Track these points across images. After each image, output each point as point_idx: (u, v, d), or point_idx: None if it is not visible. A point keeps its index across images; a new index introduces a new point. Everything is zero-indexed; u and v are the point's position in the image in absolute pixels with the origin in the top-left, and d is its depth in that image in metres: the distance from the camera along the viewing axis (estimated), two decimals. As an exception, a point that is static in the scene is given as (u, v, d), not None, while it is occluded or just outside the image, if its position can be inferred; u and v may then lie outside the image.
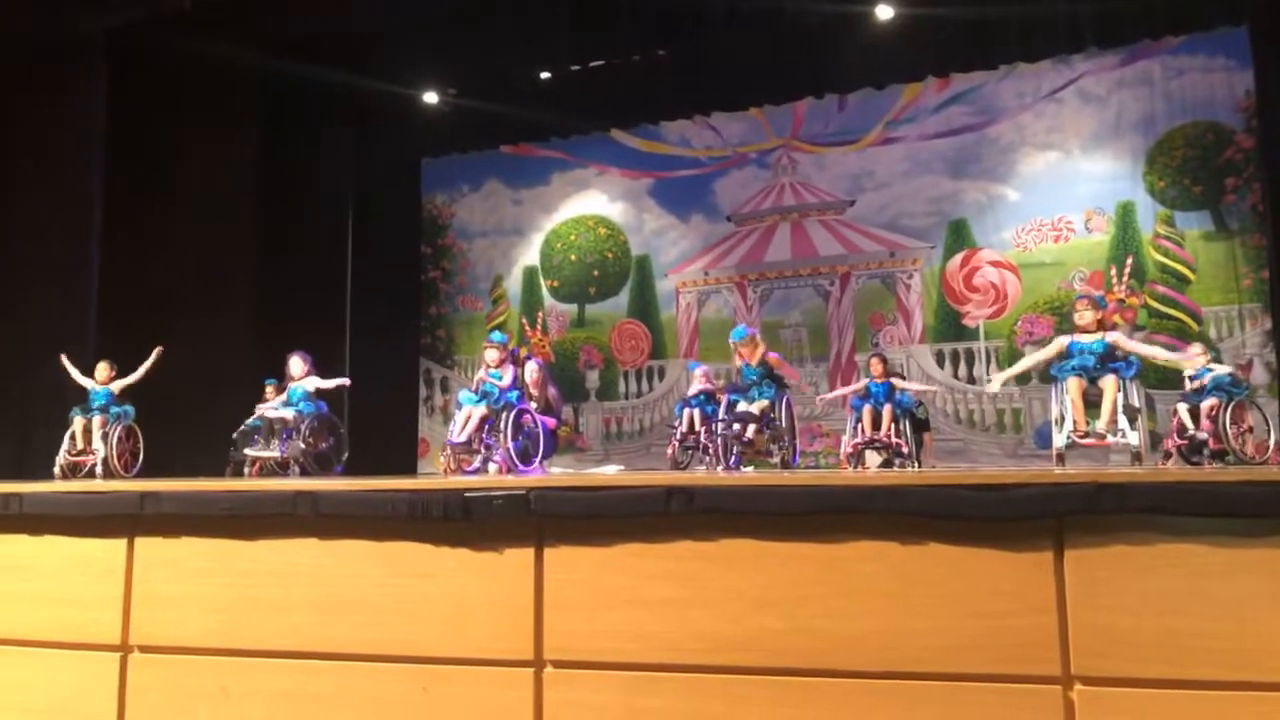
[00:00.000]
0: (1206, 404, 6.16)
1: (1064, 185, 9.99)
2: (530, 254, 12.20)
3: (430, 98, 11.58)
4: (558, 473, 6.15)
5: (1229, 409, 5.98)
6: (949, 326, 10.26)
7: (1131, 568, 2.38)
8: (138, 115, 10.06)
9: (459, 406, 6.48)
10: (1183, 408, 6.46)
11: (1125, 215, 9.71)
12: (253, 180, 10.87)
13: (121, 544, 3.14)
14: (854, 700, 2.49)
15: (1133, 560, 2.38)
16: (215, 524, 3.04)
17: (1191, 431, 6.28)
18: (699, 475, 3.39)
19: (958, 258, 10.28)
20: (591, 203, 12.00)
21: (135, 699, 3.09)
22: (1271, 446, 6.00)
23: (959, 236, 10.31)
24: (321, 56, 10.44)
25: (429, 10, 10.45)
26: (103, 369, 7.48)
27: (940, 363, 10.22)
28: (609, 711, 2.66)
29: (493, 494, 2.76)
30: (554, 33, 10.31)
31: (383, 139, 12.13)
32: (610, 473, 6.35)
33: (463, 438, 6.22)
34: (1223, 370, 6.48)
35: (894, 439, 7.14)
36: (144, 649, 3.11)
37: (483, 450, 6.21)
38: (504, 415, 6.19)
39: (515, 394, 6.39)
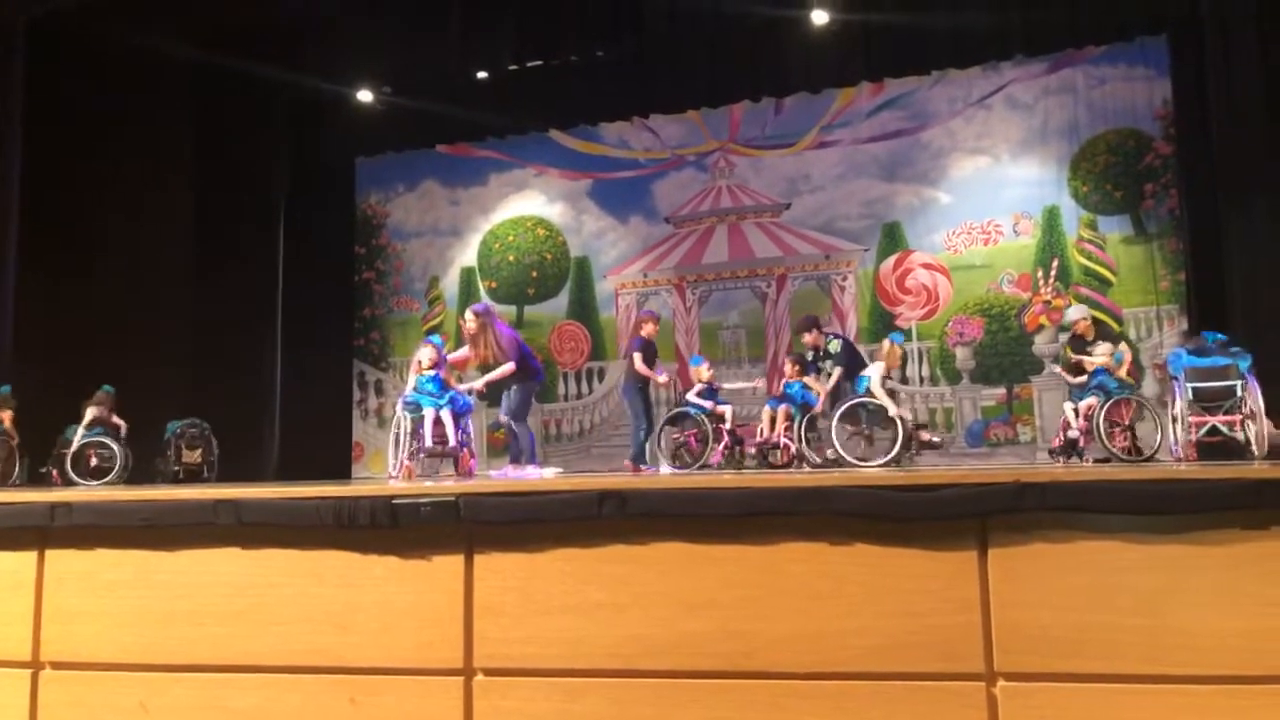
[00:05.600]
0: (1085, 403, 6.39)
1: (993, 189, 10.24)
2: (468, 255, 12.09)
3: (365, 96, 11.40)
4: (492, 476, 6.10)
5: (1104, 408, 6.21)
6: (882, 328, 10.42)
7: (1052, 565, 2.43)
8: (61, 112, 9.72)
9: (414, 410, 6.35)
10: (1068, 407, 6.74)
11: (1051, 219, 9.99)
12: (183, 178, 10.61)
13: (31, 556, 3.01)
14: (784, 702, 2.50)
15: (1054, 557, 2.43)
16: (131, 535, 2.93)
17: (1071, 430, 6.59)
18: (630, 479, 3.38)
19: (891, 260, 10.47)
20: (530, 203, 11.93)
21: (48, 717, 2.97)
22: (1157, 445, 6.20)
23: (892, 239, 10.50)
24: (254, 52, 10.21)
25: (363, 6, 10.29)
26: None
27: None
28: (541, 719, 2.64)
29: (421, 501, 2.71)
30: (492, 32, 10.24)
31: (316, 137, 11.91)
32: (548, 476, 6.33)
33: (449, 441, 6.29)
34: (1110, 371, 6.72)
35: (783, 438, 7.35)
36: (56, 665, 2.98)
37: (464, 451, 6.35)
38: (464, 417, 6.30)
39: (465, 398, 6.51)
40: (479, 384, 6.56)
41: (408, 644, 2.73)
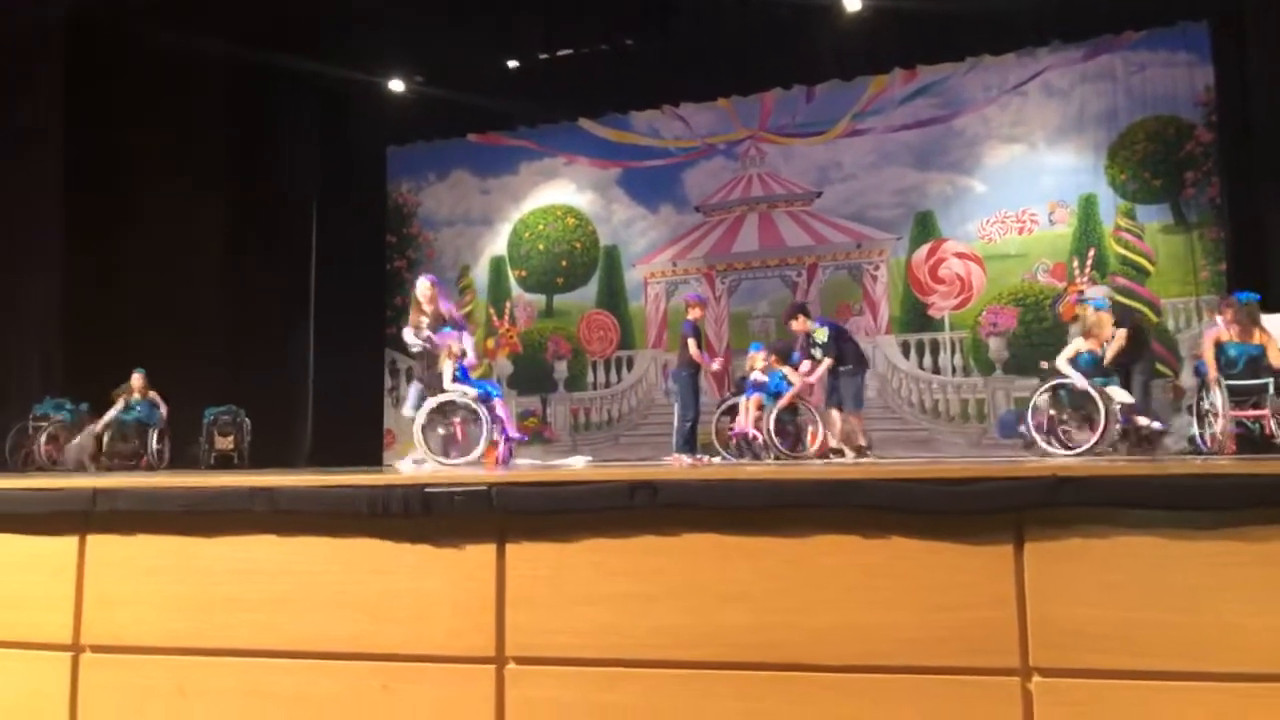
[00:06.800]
0: (1042, 398, 6.32)
1: (1028, 178, 10.10)
2: (498, 244, 12.13)
3: (396, 85, 11.44)
4: (523, 465, 6.10)
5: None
6: (915, 317, 10.35)
7: (1089, 560, 2.40)
8: (96, 106, 9.86)
9: (485, 400, 6.40)
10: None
11: (1087, 208, 9.83)
12: (217, 168, 10.72)
13: (73, 541, 3.06)
14: (816, 694, 2.49)
15: (1090, 553, 2.40)
16: (170, 521, 2.97)
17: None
18: (662, 469, 3.38)
19: (924, 249, 10.36)
20: (560, 192, 11.94)
21: (88, 700, 3.03)
22: (1097, 435, 6.02)
23: (925, 228, 10.39)
24: (285, 43, 10.29)
25: (394, -3, 10.33)
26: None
27: (906, 353, 10.30)
28: (572, 708, 2.65)
29: (454, 489, 2.73)
30: (522, 21, 10.25)
31: (347, 126, 12.00)
32: (578, 464, 6.33)
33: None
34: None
35: (751, 429, 7.28)
36: (96, 649, 3.04)
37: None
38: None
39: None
40: (470, 359, 6.61)
41: (440, 632, 2.75)
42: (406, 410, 6.48)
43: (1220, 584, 2.31)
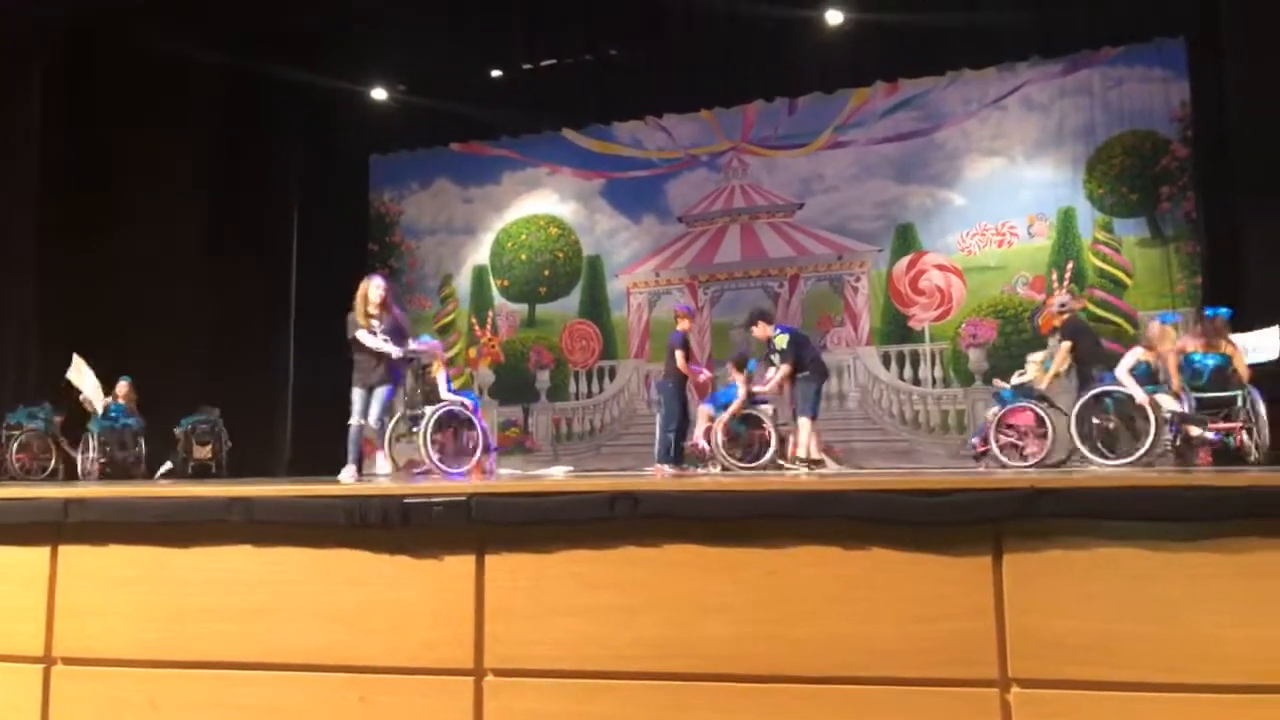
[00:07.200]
0: (990, 411, 6.40)
1: (1008, 191, 10.18)
2: (480, 253, 12.09)
3: (379, 94, 11.41)
4: (504, 475, 6.08)
5: (999, 417, 6.26)
6: (895, 329, 10.39)
7: (1067, 571, 2.41)
8: (82, 106, 9.79)
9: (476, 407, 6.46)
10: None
11: (1066, 221, 9.92)
12: (200, 175, 10.65)
13: (44, 552, 3.02)
14: (796, 706, 2.49)
15: (1069, 564, 2.41)
16: (144, 531, 2.93)
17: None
18: (644, 480, 3.37)
19: (904, 261, 10.42)
20: (543, 202, 11.93)
21: (59, 712, 2.98)
22: (1047, 449, 6.12)
23: (905, 240, 10.45)
24: (273, 50, 10.24)
25: (379, 5, 10.31)
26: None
27: (886, 364, 10.34)
28: (550, 720, 2.63)
29: (432, 500, 2.71)
30: (506, 31, 10.25)
31: (330, 135, 11.94)
32: (559, 474, 6.30)
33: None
34: (1013, 382, 6.72)
35: (700, 440, 7.31)
36: (68, 661, 2.99)
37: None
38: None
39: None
40: (443, 351, 6.59)
41: (418, 643, 2.73)
42: (355, 419, 5.97)
43: (1198, 595, 2.33)
